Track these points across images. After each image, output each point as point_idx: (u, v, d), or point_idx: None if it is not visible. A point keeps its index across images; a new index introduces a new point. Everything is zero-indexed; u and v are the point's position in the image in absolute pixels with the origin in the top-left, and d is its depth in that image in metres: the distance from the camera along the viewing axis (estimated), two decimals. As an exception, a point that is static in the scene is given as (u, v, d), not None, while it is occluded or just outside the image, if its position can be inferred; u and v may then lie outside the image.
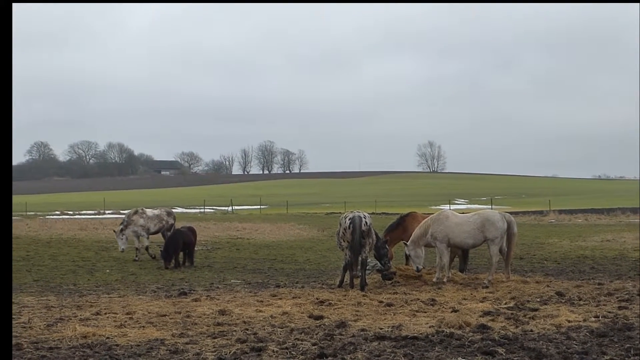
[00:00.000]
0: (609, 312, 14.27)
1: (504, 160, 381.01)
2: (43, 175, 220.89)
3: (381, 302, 15.96)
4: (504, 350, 10.72)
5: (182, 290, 18.32)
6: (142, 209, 28.94)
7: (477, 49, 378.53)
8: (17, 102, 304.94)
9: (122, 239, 27.66)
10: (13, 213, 73.34)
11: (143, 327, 13.02)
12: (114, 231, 28.81)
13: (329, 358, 10.38)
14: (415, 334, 11.95)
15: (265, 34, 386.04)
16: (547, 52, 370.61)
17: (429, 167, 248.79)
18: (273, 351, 10.82)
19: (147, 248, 27.83)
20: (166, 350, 11.05)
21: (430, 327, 12.67)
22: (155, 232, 28.72)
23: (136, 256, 27.32)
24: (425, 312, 14.55)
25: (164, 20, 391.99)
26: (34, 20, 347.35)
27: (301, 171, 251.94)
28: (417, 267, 20.02)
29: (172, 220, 28.97)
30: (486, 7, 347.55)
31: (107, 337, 12.00)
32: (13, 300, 16.79)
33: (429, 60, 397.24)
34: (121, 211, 76.36)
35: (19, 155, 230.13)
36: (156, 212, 29.09)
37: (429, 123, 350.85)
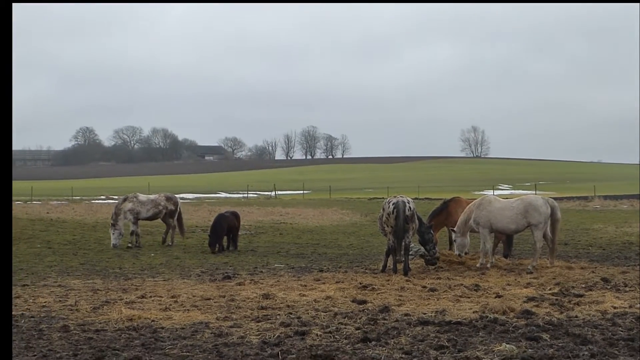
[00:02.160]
0: (656, 298, 14.11)
1: (548, 146, 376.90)
2: (89, 160, 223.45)
3: (424, 287, 15.93)
4: (549, 336, 10.64)
5: (226, 274, 18.46)
6: (134, 194, 27.89)
7: (522, 34, 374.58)
8: (63, 89, 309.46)
9: (114, 233, 26.41)
10: (59, 197, 74.46)
11: (188, 310, 13.17)
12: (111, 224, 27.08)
13: (373, 342, 10.39)
14: (458, 319, 11.91)
15: (309, 20, 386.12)
16: (592, 36, 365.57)
17: (472, 153, 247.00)
18: (317, 335, 10.87)
19: (132, 233, 26.90)
20: (211, 333, 11.15)
21: (474, 312, 12.63)
22: (151, 218, 27.91)
23: (130, 242, 26.64)
24: (469, 298, 14.50)
25: (209, 6, 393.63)
26: (79, 7, 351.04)
27: (344, 156, 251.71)
28: (459, 254, 20.02)
29: (173, 206, 27.78)
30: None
31: (153, 320, 12.16)
32: (60, 282, 17.12)
33: (473, 45, 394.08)
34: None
35: (65, 140, 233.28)
36: (152, 197, 28.19)
37: (473, 108, 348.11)
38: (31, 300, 14.32)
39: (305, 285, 16.34)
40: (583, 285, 16.00)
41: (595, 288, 15.64)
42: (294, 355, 9.72)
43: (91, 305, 13.69)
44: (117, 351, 10.04)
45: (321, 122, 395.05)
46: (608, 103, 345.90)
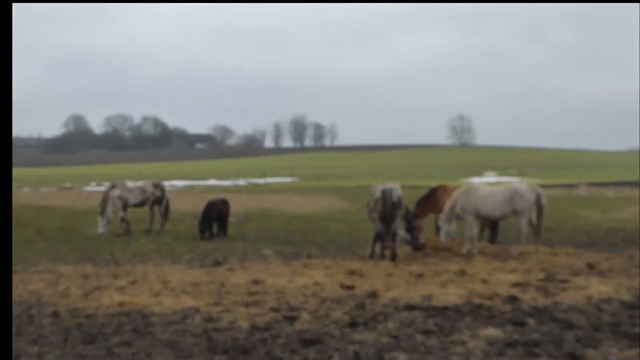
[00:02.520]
0: (640, 283, 14.26)
1: (535, 133, 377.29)
2: (79, 148, 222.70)
3: (412, 272, 16.07)
4: (534, 320, 10.80)
5: (216, 261, 18.56)
6: (121, 182, 27.98)
7: (508, 21, 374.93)
8: (54, 76, 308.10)
9: (102, 221, 26.41)
10: (50, 184, 74.37)
11: (178, 295, 13.26)
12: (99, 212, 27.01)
13: (361, 327, 10.53)
14: (445, 304, 12.06)
15: (298, 6, 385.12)
16: (578, 23, 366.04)
17: (459, 141, 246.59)
18: (305, 320, 11.00)
19: (122, 220, 26.82)
20: (201, 318, 11.27)
21: (460, 297, 12.76)
22: (139, 205, 27.77)
23: (120, 229, 26.56)
24: (455, 283, 14.61)
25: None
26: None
27: (333, 144, 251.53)
28: (445, 240, 20.16)
29: (160, 193, 27.80)
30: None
31: (143, 305, 12.25)
32: (51, 269, 17.17)
33: (460, 33, 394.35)
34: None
35: (55, 128, 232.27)
36: (139, 184, 28.18)
37: (460, 95, 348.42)
38: (22, 287, 14.36)
39: (294, 271, 16.43)
40: (568, 271, 16.15)
41: (581, 274, 15.79)
42: (282, 340, 9.85)
43: (82, 291, 13.76)
44: (107, 336, 10.16)
45: (310, 109, 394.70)
46: (594, 90, 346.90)
